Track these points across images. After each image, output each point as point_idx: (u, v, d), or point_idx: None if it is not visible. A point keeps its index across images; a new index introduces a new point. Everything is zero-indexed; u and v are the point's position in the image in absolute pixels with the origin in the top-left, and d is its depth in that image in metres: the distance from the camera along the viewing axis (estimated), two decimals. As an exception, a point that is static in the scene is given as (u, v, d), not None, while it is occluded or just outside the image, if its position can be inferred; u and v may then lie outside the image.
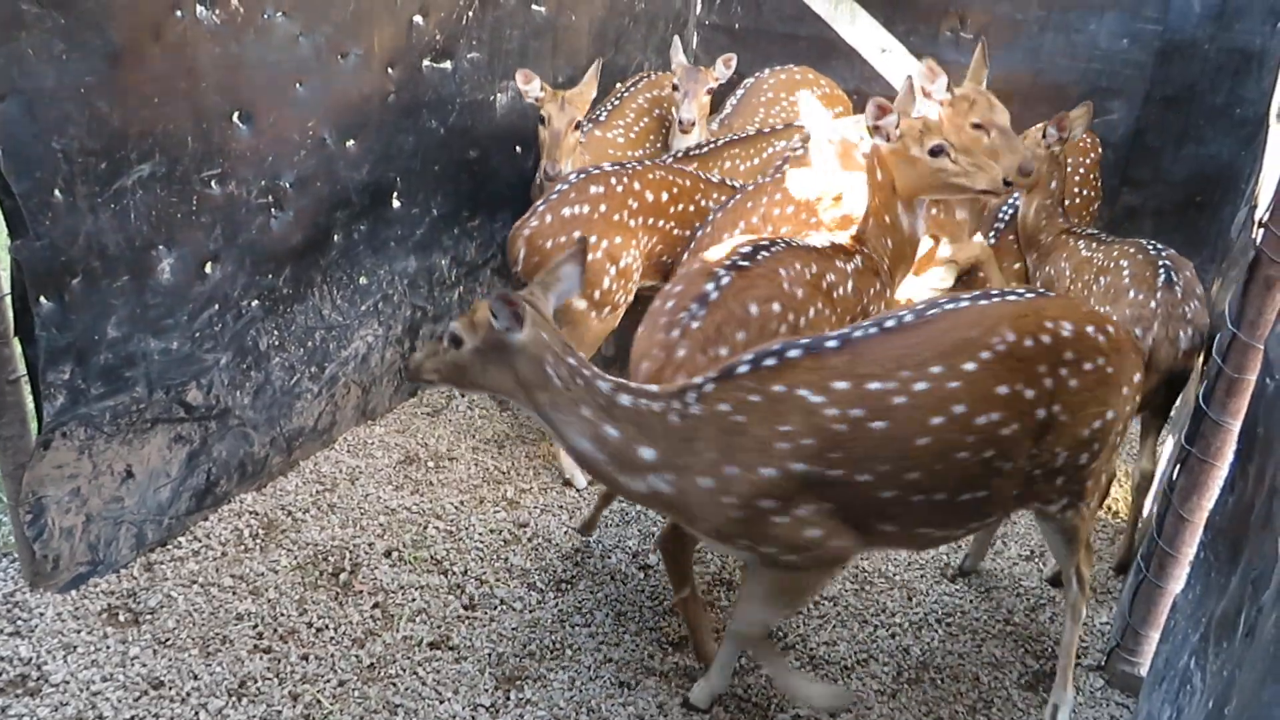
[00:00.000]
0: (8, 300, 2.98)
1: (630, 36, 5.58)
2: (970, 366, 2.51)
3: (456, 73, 4.34)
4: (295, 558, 3.57)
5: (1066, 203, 4.30)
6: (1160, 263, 3.67)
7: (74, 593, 3.28)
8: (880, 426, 2.44)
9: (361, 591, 3.44)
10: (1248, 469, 2.40)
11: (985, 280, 4.22)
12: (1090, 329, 2.69)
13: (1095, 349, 2.66)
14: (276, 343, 3.84)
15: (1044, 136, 4.07)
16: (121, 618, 3.23)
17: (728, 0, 6.22)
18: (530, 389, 2.54)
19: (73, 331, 3.06)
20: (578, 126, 4.33)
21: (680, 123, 4.76)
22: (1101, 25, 5.29)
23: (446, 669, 3.15)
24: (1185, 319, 3.50)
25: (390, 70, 3.99)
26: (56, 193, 2.89)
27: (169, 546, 3.56)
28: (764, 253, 3.21)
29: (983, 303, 2.68)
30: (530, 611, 3.42)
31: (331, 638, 3.23)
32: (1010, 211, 4.42)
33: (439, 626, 3.32)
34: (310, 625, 3.27)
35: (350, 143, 3.90)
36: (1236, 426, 2.78)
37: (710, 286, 3.06)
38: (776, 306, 3.11)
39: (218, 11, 3.20)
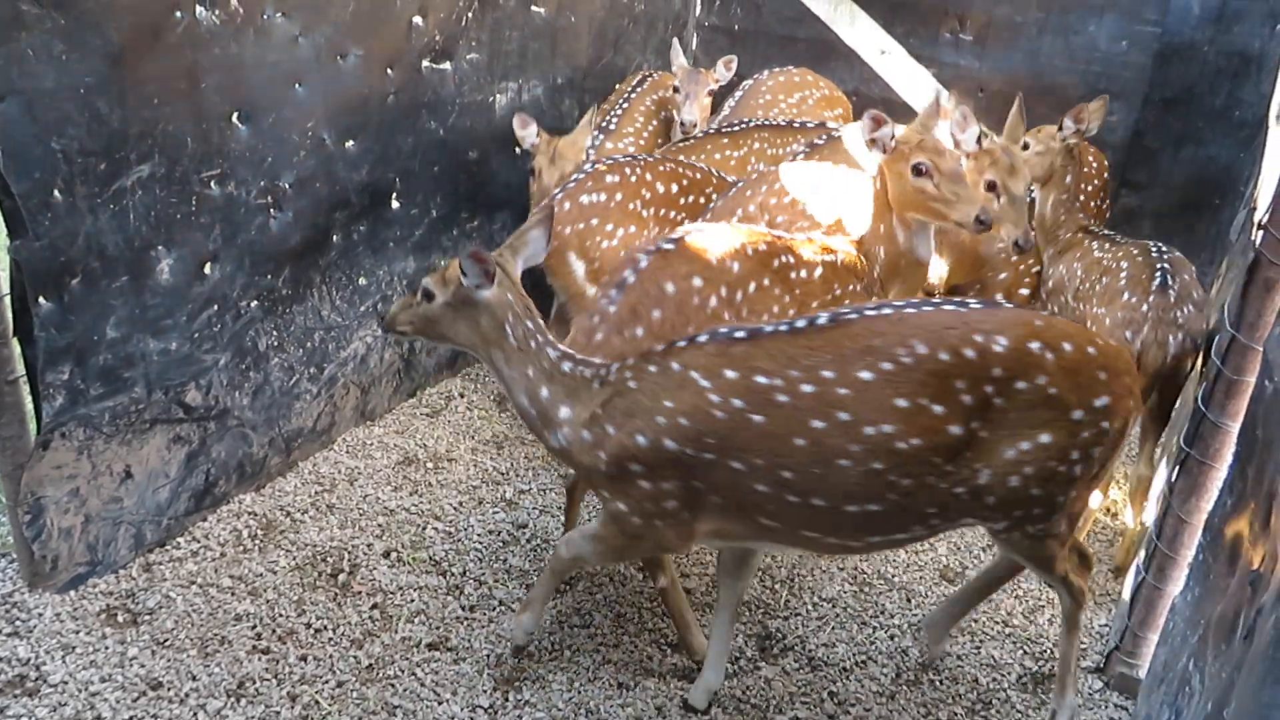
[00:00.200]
0: (7, 300, 2.98)
1: (629, 38, 5.58)
2: (865, 375, 2.47)
3: (456, 74, 4.34)
4: (294, 558, 3.57)
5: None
6: (1158, 266, 3.66)
7: (73, 593, 3.28)
8: (758, 420, 2.50)
9: (360, 592, 3.44)
10: (1246, 470, 2.41)
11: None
12: (1036, 346, 2.50)
13: (1036, 367, 2.48)
14: (275, 343, 3.84)
15: (1060, 130, 4.02)
16: (120, 618, 3.23)
17: (727, 2, 6.22)
18: (489, 344, 2.78)
19: (72, 332, 3.05)
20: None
21: (682, 125, 4.78)
22: (1100, 27, 5.30)
23: (445, 670, 3.15)
24: (1176, 323, 3.48)
25: (389, 71, 3.99)
26: (56, 193, 2.89)
27: (168, 547, 3.56)
28: (696, 233, 3.27)
29: (910, 311, 2.57)
30: (529, 612, 3.41)
31: (330, 638, 3.23)
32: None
33: (437, 627, 3.32)
34: (309, 626, 3.27)
35: (349, 143, 3.90)
36: (1235, 428, 2.77)
37: (628, 271, 3.16)
38: (698, 281, 3.11)
39: (217, 12, 3.20)
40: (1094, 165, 4.64)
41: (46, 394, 3.05)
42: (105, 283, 3.11)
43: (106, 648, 3.09)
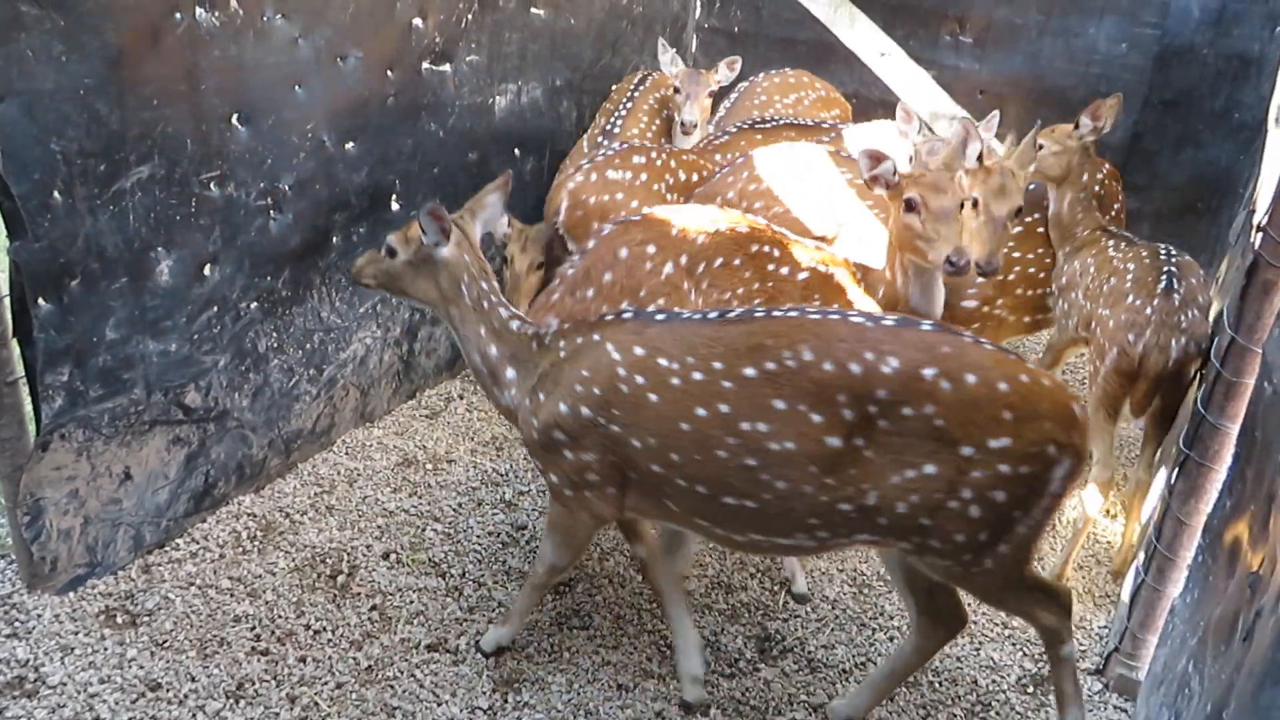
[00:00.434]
0: (6, 302, 2.98)
1: (628, 40, 5.59)
2: (749, 372, 2.51)
3: (455, 76, 4.34)
4: (293, 560, 3.57)
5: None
6: (1165, 269, 3.61)
7: (72, 594, 3.28)
8: (654, 400, 2.59)
9: (359, 594, 3.44)
10: (1245, 472, 2.41)
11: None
12: (930, 373, 2.41)
13: (926, 395, 2.41)
14: (275, 345, 3.84)
15: (1076, 128, 3.97)
16: (119, 619, 3.22)
17: (727, 3, 6.23)
18: (446, 301, 2.94)
19: (71, 333, 3.05)
20: (539, 266, 4.32)
21: (682, 125, 4.81)
22: (1100, 30, 5.31)
23: (444, 671, 3.14)
24: (1179, 328, 3.45)
25: (389, 73, 3.99)
26: (55, 194, 2.89)
27: (167, 548, 3.56)
28: (666, 208, 3.36)
29: (815, 317, 2.58)
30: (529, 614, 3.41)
31: (329, 640, 3.23)
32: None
33: (437, 629, 3.32)
34: (308, 627, 3.26)
35: (349, 145, 3.90)
36: (1235, 430, 2.77)
37: (593, 238, 3.36)
38: (651, 249, 3.22)
39: (217, 14, 3.20)
40: (1104, 174, 4.57)
41: (46, 395, 3.05)
42: (105, 284, 3.11)
43: (105, 649, 3.08)
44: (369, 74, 3.89)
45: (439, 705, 3.02)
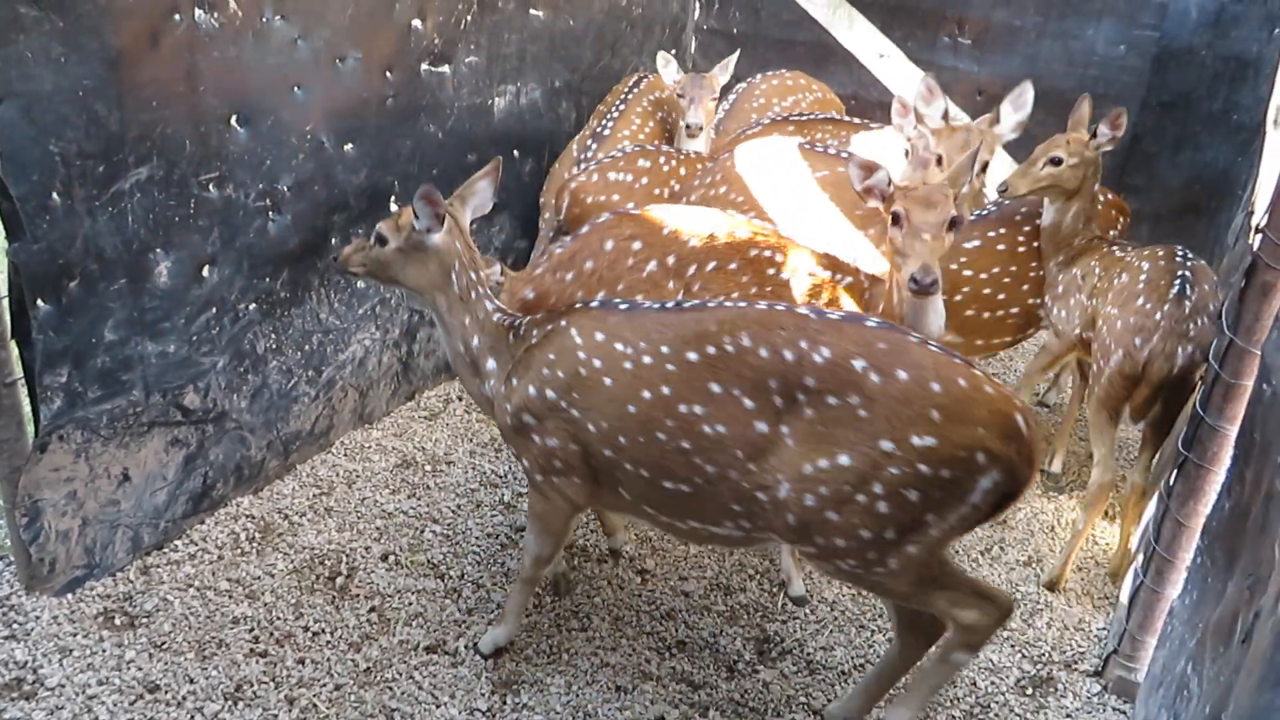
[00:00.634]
0: (5, 303, 2.98)
1: (627, 41, 5.59)
2: (692, 356, 2.57)
3: (454, 77, 4.34)
4: (292, 561, 3.56)
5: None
6: (1179, 273, 3.56)
7: (70, 596, 3.28)
8: (608, 384, 2.67)
9: (358, 595, 3.44)
10: (1244, 474, 2.41)
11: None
12: (860, 365, 2.41)
13: (853, 386, 2.41)
14: (274, 346, 3.84)
15: (1094, 138, 3.84)
16: (117, 621, 3.22)
17: (726, 5, 6.24)
18: (435, 289, 2.97)
19: (70, 334, 3.05)
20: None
21: (688, 127, 4.82)
22: (1098, 32, 5.32)
23: (443, 673, 3.14)
24: (1187, 335, 3.42)
25: (388, 74, 3.99)
26: (54, 196, 2.89)
27: (165, 550, 3.55)
28: (663, 207, 3.39)
29: (761, 307, 2.62)
30: (527, 616, 3.41)
31: (328, 641, 3.23)
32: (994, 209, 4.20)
33: (435, 630, 3.31)
34: (307, 629, 3.26)
35: (348, 146, 3.90)
36: (1233, 432, 2.77)
37: (588, 225, 3.42)
38: (637, 245, 3.26)
39: (216, 15, 3.20)
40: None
41: (44, 396, 3.05)
42: (103, 285, 3.10)
43: (104, 651, 3.08)
44: (368, 75, 3.89)
45: (438, 707, 3.02)
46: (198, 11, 3.14)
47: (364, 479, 4.09)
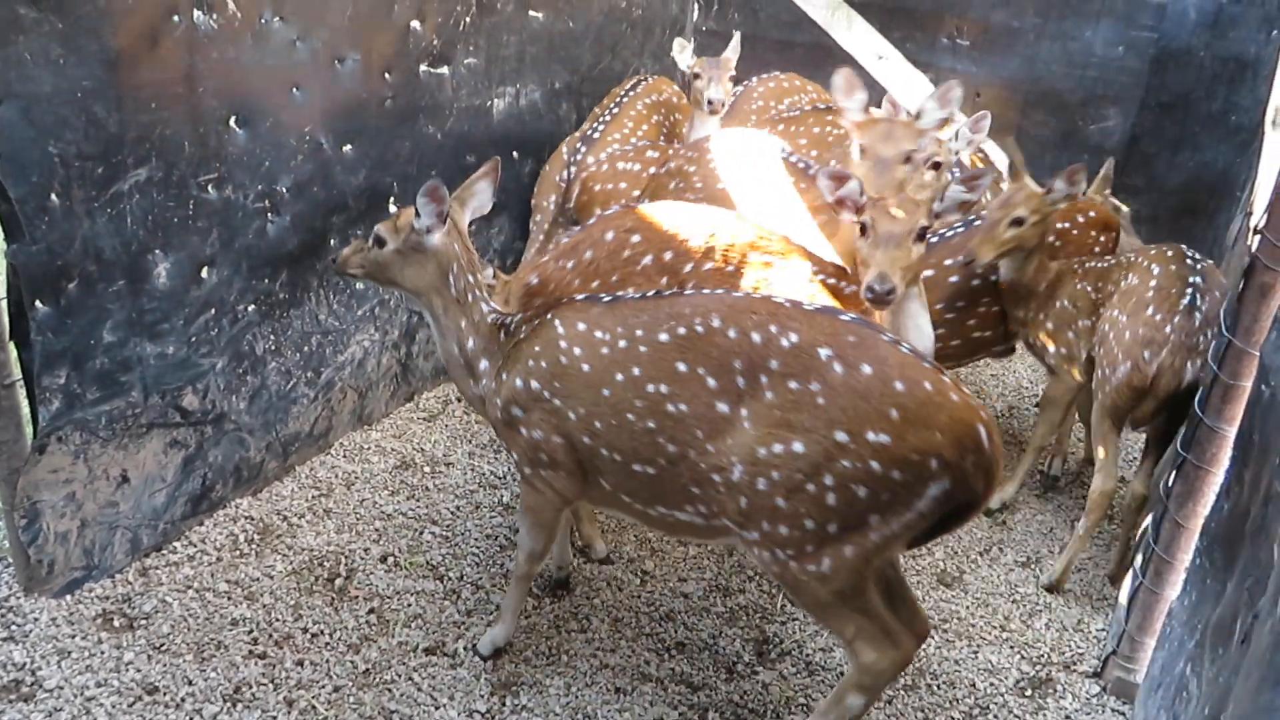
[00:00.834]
0: (3, 304, 2.98)
1: (627, 42, 5.59)
2: (663, 338, 2.61)
3: (453, 78, 4.34)
4: (291, 563, 3.56)
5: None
6: (1190, 279, 3.51)
7: (68, 598, 3.27)
8: (585, 370, 2.70)
9: (357, 597, 3.44)
10: (1243, 475, 2.41)
11: None
12: (825, 353, 2.41)
13: (815, 373, 2.41)
14: (273, 348, 3.84)
15: (1050, 193, 3.67)
16: (116, 623, 3.22)
17: (725, 6, 6.24)
18: (432, 291, 2.98)
19: (68, 336, 3.05)
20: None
21: (709, 103, 4.81)
22: (1097, 33, 5.32)
23: (442, 675, 3.14)
24: (1196, 349, 3.37)
25: (387, 75, 3.99)
26: (53, 197, 2.89)
27: (164, 552, 3.55)
28: (672, 205, 3.42)
29: (739, 295, 2.68)
30: (526, 617, 3.41)
31: (327, 643, 3.22)
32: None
33: (435, 632, 3.31)
34: (306, 631, 3.26)
35: (347, 148, 3.90)
36: (1232, 433, 2.78)
37: (595, 217, 3.48)
38: (636, 238, 3.28)
39: (215, 17, 3.20)
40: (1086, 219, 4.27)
41: (43, 398, 3.04)
42: (102, 287, 3.10)
43: (102, 653, 3.08)
44: (367, 76, 3.89)
45: (437, 709, 3.01)
46: (196, 13, 3.14)
47: (363, 480, 4.09)
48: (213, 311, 3.52)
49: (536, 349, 2.81)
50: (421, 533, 3.80)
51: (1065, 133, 5.38)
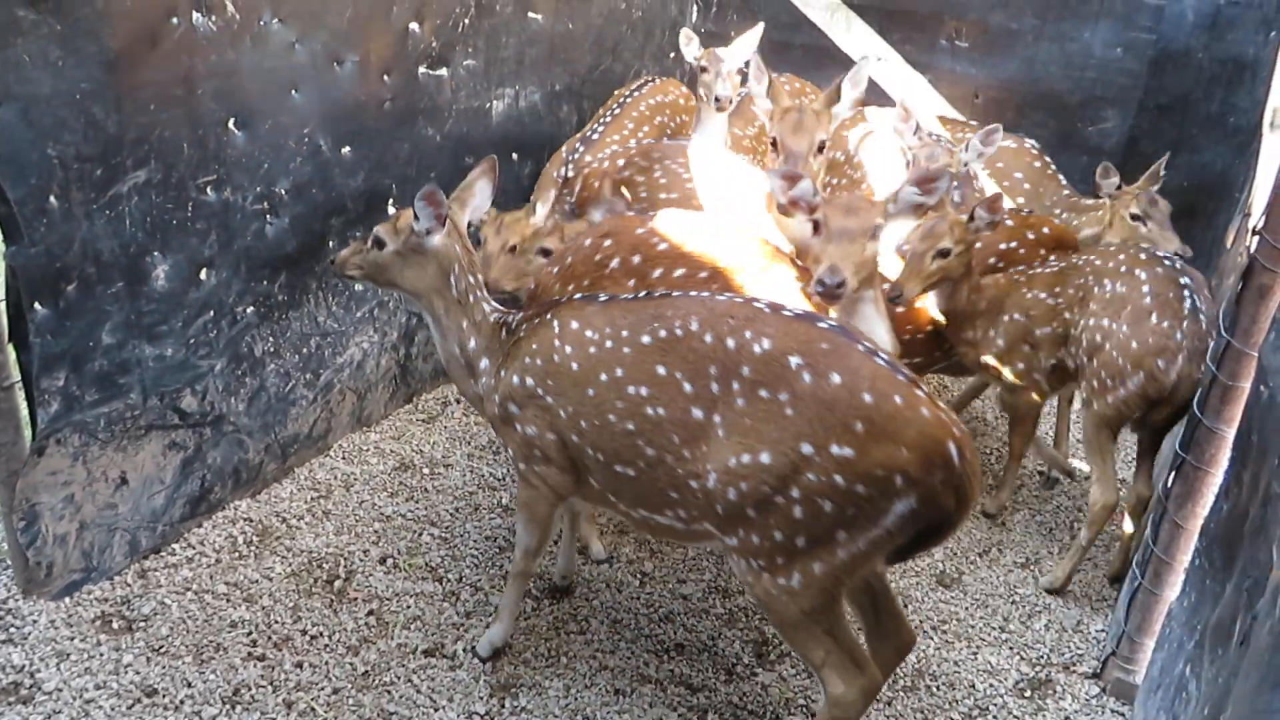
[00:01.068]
0: (2, 307, 2.98)
1: (627, 44, 5.59)
2: (645, 340, 2.61)
3: (452, 80, 4.34)
4: (290, 565, 3.56)
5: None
6: (1182, 282, 3.49)
7: (67, 600, 3.27)
8: (574, 368, 2.72)
9: (356, 599, 3.44)
10: (1242, 476, 2.41)
11: None
12: (795, 362, 2.38)
13: (784, 382, 2.38)
14: (272, 349, 3.84)
15: (971, 220, 3.57)
16: (115, 625, 3.22)
17: (724, 8, 6.24)
18: (433, 292, 2.98)
19: (67, 338, 3.05)
20: (512, 249, 4.11)
21: (717, 100, 4.71)
22: (1095, 34, 5.32)
23: (441, 676, 3.14)
24: (1205, 354, 3.29)
25: (386, 77, 3.99)
26: (52, 199, 2.88)
27: (163, 553, 3.55)
28: (660, 212, 3.44)
29: (721, 298, 2.63)
30: (525, 619, 3.41)
31: (326, 645, 3.22)
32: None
33: (434, 634, 3.31)
34: (305, 633, 3.26)
35: (346, 149, 3.90)
36: (1231, 434, 2.78)
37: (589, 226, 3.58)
38: (608, 242, 3.32)
39: (214, 19, 3.20)
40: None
41: (42, 400, 3.04)
42: (101, 289, 3.10)
43: (101, 655, 3.07)
44: (365, 78, 3.89)
45: (436, 710, 3.01)
46: (195, 15, 3.14)
47: (362, 482, 4.09)
48: (211, 313, 3.52)
49: (534, 347, 2.83)
50: (420, 534, 3.79)
51: (1064, 134, 5.38)
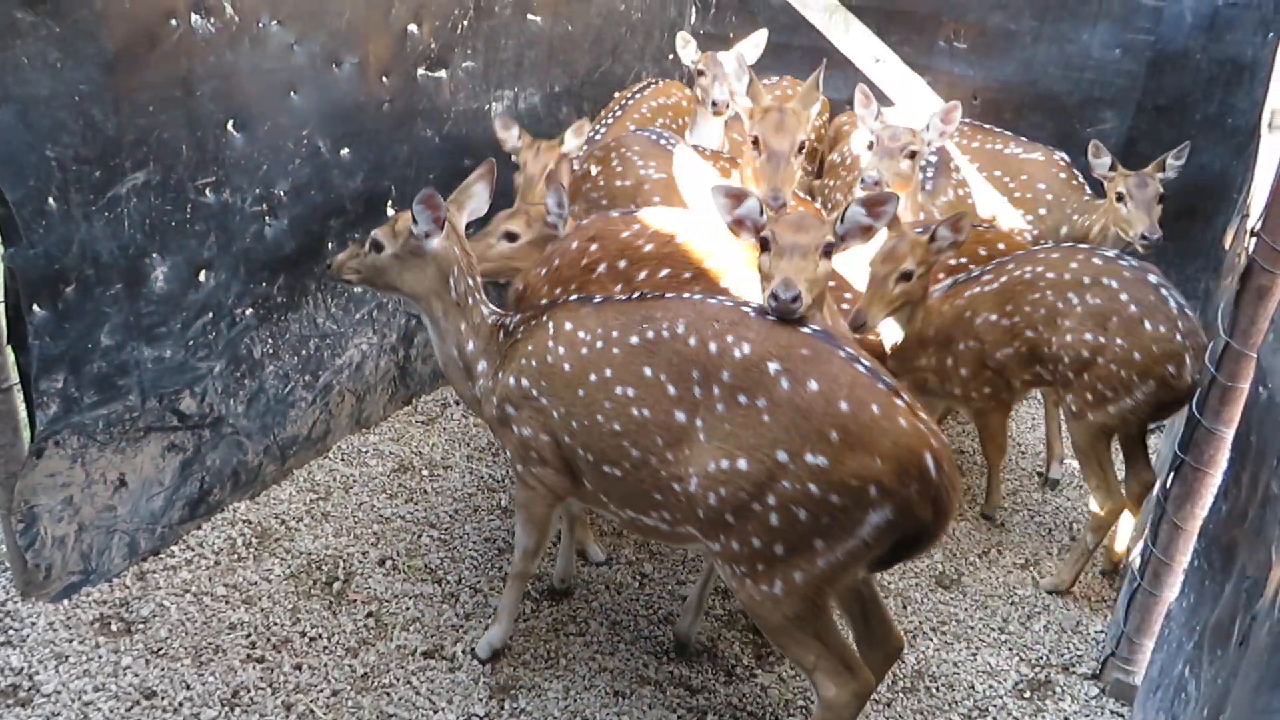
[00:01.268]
0: (1, 308, 2.98)
1: (627, 46, 5.60)
2: (633, 340, 2.62)
3: (451, 81, 4.34)
4: (289, 567, 3.56)
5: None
6: (1154, 281, 3.47)
7: (66, 602, 3.27)
8: (566, 369, 2.72)
9: (355, 600, 3.43)
10: (1241, 477, 2.41)
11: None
12: (774, 367, 2.36)
13: (762, 388, 2.37)
14: (271, 351, 3.84)
15: (933, 240, 3.40)
16: (114, 627, 3.21)
17: (722, 10, 6.24)
18: (432, 294, 2.98)
19: (66, 339, 3.05)
20: (549, 174, 4.24)
21: (714, 104, 4.73)
22: (1094, 36, 5.33)
23: (440, 678, 3.14)
24: (1205, 349, 3.28)
25: (385, 79, 3.99)
26: (50, 201, 2.88)
27: (162, 555, 3.55)
28: (648, 210, 3.45)
29: (712, 301, 2.63)
30: (524, 621, 3.40)
31: (325, 647, 3.22)
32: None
33: (433, 635, 3.31)
34: (304, 635, 3.25)
35: (345, 151, 3.90)
36: (1230, 435, 2.78)
37: (574, 226, 3.56)
38: (594, 246, 3.32)
39: (212, 20, 3.20)
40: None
41: (40, 402, 3.04)
42: (100, 290, 3.10)
43: (100, 657, 3.07)
44: (364, 80, 3.89)
45: (435, 712, 3.01)
46: (194, 16, 3.14)
47: (361, 484, 4.09)
48: (210, 315, 3.52)
49: (529, 348, 2.84)
50: (419, 536, 3.79)
51: (1062, 135, 5.38)
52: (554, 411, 2.77)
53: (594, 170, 4.29)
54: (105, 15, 2.88)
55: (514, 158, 4.31)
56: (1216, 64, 5.09)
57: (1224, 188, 5.10)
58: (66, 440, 3.15)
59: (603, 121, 4.94)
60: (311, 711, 2.97)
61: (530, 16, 4.72)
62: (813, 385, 2.34)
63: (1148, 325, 3.43)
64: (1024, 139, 4.92)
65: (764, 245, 2.73)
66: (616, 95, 5.27)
